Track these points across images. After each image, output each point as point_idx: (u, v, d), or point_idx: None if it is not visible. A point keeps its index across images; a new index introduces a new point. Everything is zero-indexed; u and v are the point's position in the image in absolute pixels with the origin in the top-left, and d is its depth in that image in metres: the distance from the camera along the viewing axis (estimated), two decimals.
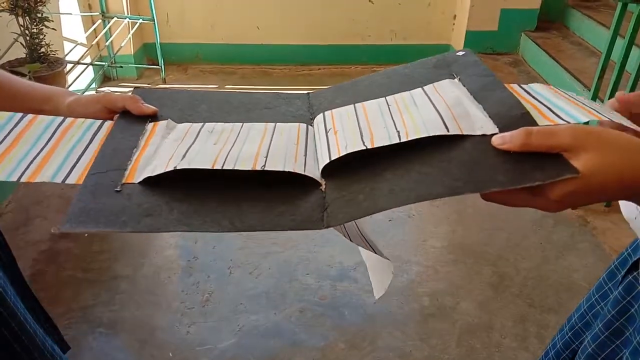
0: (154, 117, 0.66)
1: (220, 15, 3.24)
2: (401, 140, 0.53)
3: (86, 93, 2.50)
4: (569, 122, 0.51)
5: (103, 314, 1.60)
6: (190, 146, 0.58)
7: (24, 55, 2.08)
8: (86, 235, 1.90)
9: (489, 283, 1.75)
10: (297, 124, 0.64)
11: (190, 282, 1.73)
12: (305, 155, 0.58)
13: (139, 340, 1.53)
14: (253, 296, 1.68)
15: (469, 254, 1.87)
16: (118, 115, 0.65)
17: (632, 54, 1.84)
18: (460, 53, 0.68)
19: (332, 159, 0.55)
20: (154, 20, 2.86)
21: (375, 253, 0.61)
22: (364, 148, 0.54)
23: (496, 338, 1.56)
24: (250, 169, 0.54)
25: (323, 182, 0.55)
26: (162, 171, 0.53)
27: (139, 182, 0.54)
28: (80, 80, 2.43)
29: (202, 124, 0.64)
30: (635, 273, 0.64)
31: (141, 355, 1.49)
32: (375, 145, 0.54)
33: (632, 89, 1.80)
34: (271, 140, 0.60)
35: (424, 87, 0.63)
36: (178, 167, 0.53)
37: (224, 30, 3.29)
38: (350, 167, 0.55)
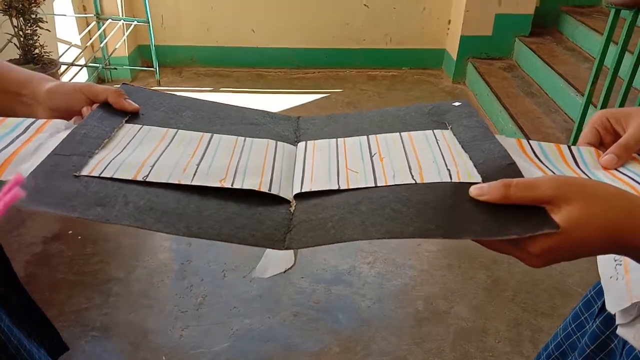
0: (134, 115, 0.64)
1: (215, 18, 3.24)
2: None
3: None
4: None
5: (96, 317, 1.59)
6: (160, 156, 0.57)
7: (17, 57, 2.07)
8: (70, 232, 1.89)
9: (483, 287, 1.76)
10: (267, 140, 0.63)
11: (184, 286, 1.72)
12: (272, 170, 0.56)
13: (131, 344, 1.52)
14: (247, 300, 1.68)
15: (463, 258, 1.88)
16: (97, 105, 0.63)
17: (625, 60, 1.85)
18: (457, 103, 0.68)
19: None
20: (148, 23, 2.85)
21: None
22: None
23: (490, 342, 1.56)
24: (215, 185, 0.53)
25: (294, 202, 0.53)
26: (127, 177, 0.52)
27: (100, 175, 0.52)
28: (74, 81, 2.42)
29: (175, 130, 0.62)
30: None
31: (134, 358, 1.48)
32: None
33: (625, 95, 1.81)
34: (240, 157, 0.58)
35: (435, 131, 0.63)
36: (148, 180, 0.52)
37: (219, 33, 3.29)
38: (325, 192, 0.54)
